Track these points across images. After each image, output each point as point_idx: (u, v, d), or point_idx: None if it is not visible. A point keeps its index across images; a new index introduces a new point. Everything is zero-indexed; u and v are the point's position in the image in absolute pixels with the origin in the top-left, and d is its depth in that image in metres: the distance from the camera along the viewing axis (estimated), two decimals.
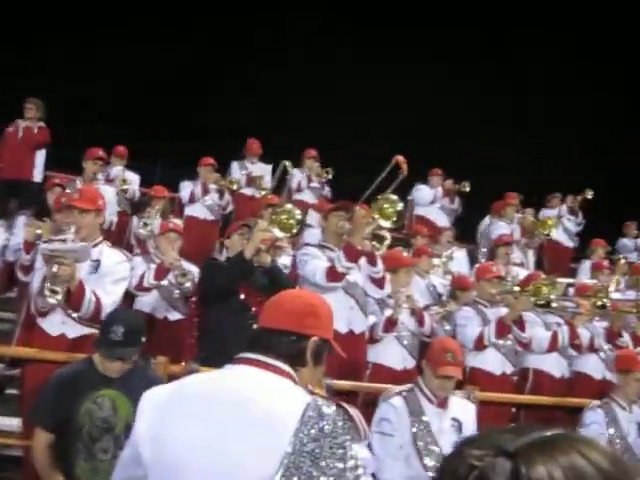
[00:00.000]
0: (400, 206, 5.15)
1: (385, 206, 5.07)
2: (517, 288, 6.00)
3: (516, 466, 0.85)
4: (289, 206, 5.26)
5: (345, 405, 2.69)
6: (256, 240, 4.83)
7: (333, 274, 5.16)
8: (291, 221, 4.97)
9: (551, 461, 0.85)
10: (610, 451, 0.92)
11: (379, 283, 5.53)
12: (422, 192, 10.89)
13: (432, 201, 10.87)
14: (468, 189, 11.01)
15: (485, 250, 9.25)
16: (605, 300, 5.94)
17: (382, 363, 5.83)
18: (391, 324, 5.78)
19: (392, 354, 5.89)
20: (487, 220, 10.49)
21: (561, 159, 15.59)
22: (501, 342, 5.84)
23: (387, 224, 5.14)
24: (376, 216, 5.06)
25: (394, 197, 5.19)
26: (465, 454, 0.89)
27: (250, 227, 5.21)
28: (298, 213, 5.08)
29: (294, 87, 15.47)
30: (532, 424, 1.01)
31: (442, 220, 10.83)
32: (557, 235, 11.10)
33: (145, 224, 7.20)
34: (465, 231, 11.11)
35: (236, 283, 4.86)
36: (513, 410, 6.27)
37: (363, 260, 5.35)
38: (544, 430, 0.95)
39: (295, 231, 5.16)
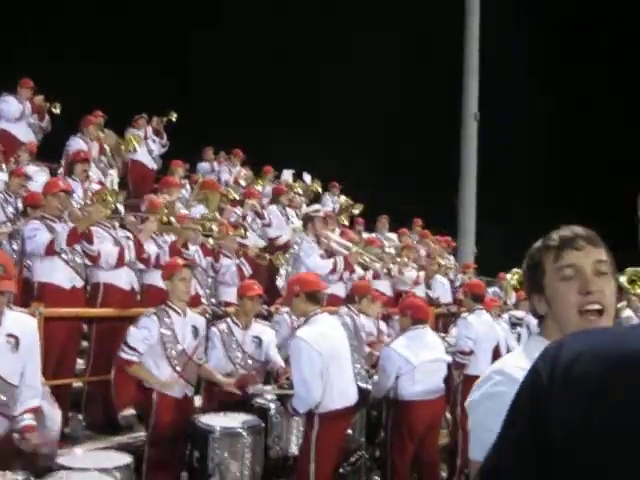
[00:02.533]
0: None
1: None
2: (88, 202, 6.07)
3: None
4: None
5: None
6: None
7: None
8: None
9: None
10: None
11: None
12: (9, 105, 10.02)
13: (19, 117, 10.06)
14: (59, 111, 10.51)
15: (62, 166, 9.05)
16: (171, 216, 6.32)
17: None
18: None
19: None
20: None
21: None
22: (70, 256, 5.87)
23: None
24: None
25: None
26: None
27: None
28: None
29: None
30: None
31: (28, 137, 10.18)
32: (141, 156, 11.35)
33: None
34: (54, 149, 10.67)
35: None
36: (85, 326, 6.41)
37: None
38: None
39: None
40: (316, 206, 9.72)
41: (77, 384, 6.45)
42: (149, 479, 5.05)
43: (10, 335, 3.98)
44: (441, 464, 6.72)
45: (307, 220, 8.66)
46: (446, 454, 7.10)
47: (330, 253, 8.44)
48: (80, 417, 6.31)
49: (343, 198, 13.31)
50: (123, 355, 5.16)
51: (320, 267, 7.96)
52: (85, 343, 6.61)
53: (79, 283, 6.02)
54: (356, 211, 13.10)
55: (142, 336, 5.15)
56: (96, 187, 8.01)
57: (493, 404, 1.74)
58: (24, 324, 4.13)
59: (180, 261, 5.57)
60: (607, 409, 1.13)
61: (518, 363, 1.80)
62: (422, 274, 10.43)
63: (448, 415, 7.07)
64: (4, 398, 3.92)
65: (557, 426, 1.16)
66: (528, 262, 2.00)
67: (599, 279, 1.83)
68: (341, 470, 6.28)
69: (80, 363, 6.54)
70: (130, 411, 6.37)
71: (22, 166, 8.49)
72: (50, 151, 10.54)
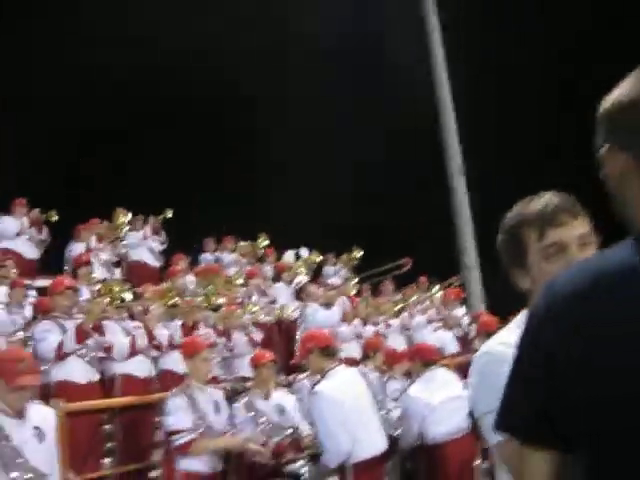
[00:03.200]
0: None
1: None
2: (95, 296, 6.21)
3: None
4: None
5: None
6: None
7: None
8: None
9: None
10: None
11: None
12: (6, 224, 10.30)
13: (18, 233, 10.31)
14: (56, 218, 10.84)
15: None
16: (175, 299, 6.46)
17: None
18: None
19: None
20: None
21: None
22: (84, 351, 5.96)
23: None
24: None
25: None
26: None
27: None
28: None
29: None
30: None
31: (31, 252, 10.49)
32: (142, 255, 11.58)
33: None
34: (56, 259, 10.96)
35: None
36: (105, 416, 6.42)
37: None
38: None
39: None
40: (298, 278, 10.17)
41: None
42: None
43: (36, 427, 4.03)
44: None
45: (299, 293, 9.02)
46: None
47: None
48: None
49: (344, 256, 13.61)
50: (178, 443, 5.06)
51: (329, 316, 8.16)
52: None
53: (95, 377, 6.10)
54: (357, 255, 13.40)
55: (180, 417, 5.11)
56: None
57: (485, 384, 1.79)
58: (46, 417, 4.19)
59: (201, 341, 5.63)
60: (587, 330, 1.18)
61: (505, 339, 1.82)
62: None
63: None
64: None
65: (550, 361, 1.21)
66: (506, 237, 1.90)
67: (583, 253, 1.78)
68: None
69: (107, 461, 6.50)
70: None
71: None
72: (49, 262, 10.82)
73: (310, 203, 16.27)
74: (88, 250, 9.77)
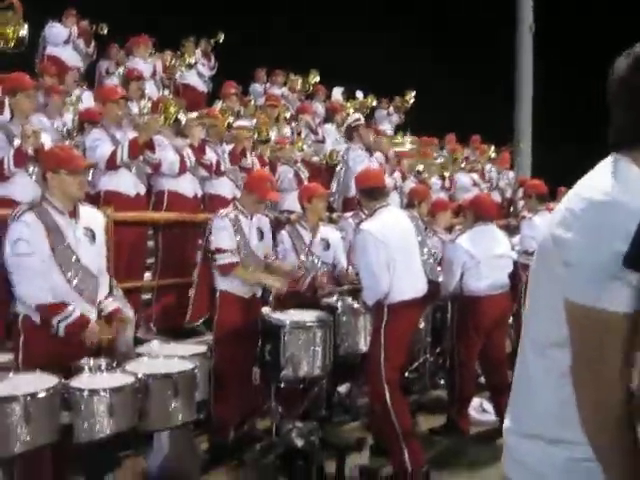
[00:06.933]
0: (24, 30, 4.77)
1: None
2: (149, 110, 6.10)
3: None
4: None
5: None
6: None
7: None
8: None
9: None
10: None
11: None
12: (55, 30, 10.26)
13: (66, 40, 10.28)
14: (106, 31, 10.71)
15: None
16: (230, 119, 6.33)
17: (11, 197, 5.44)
18: (21, 156, 5.43)
19: (22, 188, 5.53)
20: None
21: None
22: (133, 163, 5.92)
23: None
24: None
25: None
26: None
27: None
28: None
29: None
30: None
31: (75, 61, 10.40)
32: (192, 80, 11.36)
33: None
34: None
35: None
36: (150, 231, 6.50)
37: None
38: None
39: None
40: (356, 115, 9.64)
41: (146, 296, 6.58)
42: (220, 374, 5.08)
43: (87, 228, 4.04)
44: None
45: (351, 131, 8.71)
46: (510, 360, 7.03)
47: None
48: (150, 324, 6.47)
49: (397, 99, 13.30)
50: (223, 261, 5.11)
51: (370, 165, 8.03)
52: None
53: (142, 190, 6.10)
54: (410, 100, 13.12)
55: (224, 237, 5.12)
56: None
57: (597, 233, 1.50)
58: (96, 219, 4.20)
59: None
60: None
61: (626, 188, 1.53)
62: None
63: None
64: (91, 288, 4.00)
65: None
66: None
67: None
68: (406, 375, 6.33)
69: (147, 276, 6.63)
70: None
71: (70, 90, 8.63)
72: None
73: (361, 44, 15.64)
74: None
